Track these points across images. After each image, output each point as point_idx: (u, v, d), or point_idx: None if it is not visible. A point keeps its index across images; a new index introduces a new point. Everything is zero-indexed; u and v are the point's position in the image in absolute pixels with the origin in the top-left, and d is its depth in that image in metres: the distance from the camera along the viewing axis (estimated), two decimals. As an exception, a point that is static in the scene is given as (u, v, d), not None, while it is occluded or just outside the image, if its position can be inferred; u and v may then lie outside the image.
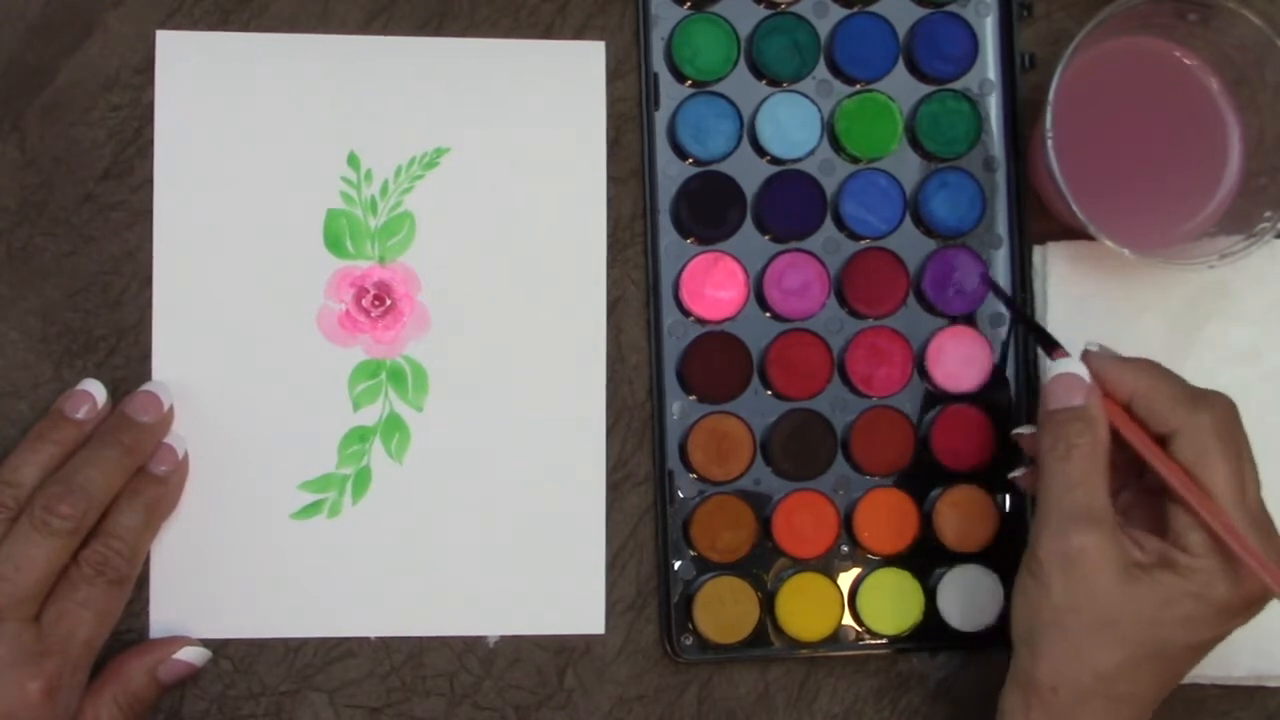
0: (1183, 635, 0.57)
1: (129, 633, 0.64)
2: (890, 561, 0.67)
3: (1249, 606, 0.58)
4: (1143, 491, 0.61)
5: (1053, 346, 0.61)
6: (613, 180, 0.68)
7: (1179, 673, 0.60)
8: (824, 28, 0.68)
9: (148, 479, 0.63)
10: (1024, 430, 0.63)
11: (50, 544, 0.59)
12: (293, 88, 0.66)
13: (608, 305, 0.67)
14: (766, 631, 0.67)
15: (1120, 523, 0.58)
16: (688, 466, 0.67)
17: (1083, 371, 0.60)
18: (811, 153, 0.68)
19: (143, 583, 0.64)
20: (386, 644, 0.66)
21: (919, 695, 0.68)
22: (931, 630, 0.67)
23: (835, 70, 0.68)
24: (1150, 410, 0.59)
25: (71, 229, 0.66)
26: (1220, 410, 0.58)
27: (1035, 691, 0.58)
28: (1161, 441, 0.58)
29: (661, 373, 0.67)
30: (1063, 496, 0.58)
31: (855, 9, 0.68)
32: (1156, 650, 0.57)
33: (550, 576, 0.67)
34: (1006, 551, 0.67)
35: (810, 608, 0.67)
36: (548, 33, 0.68)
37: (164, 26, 0.66)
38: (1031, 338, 0.66)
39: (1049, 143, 0.62)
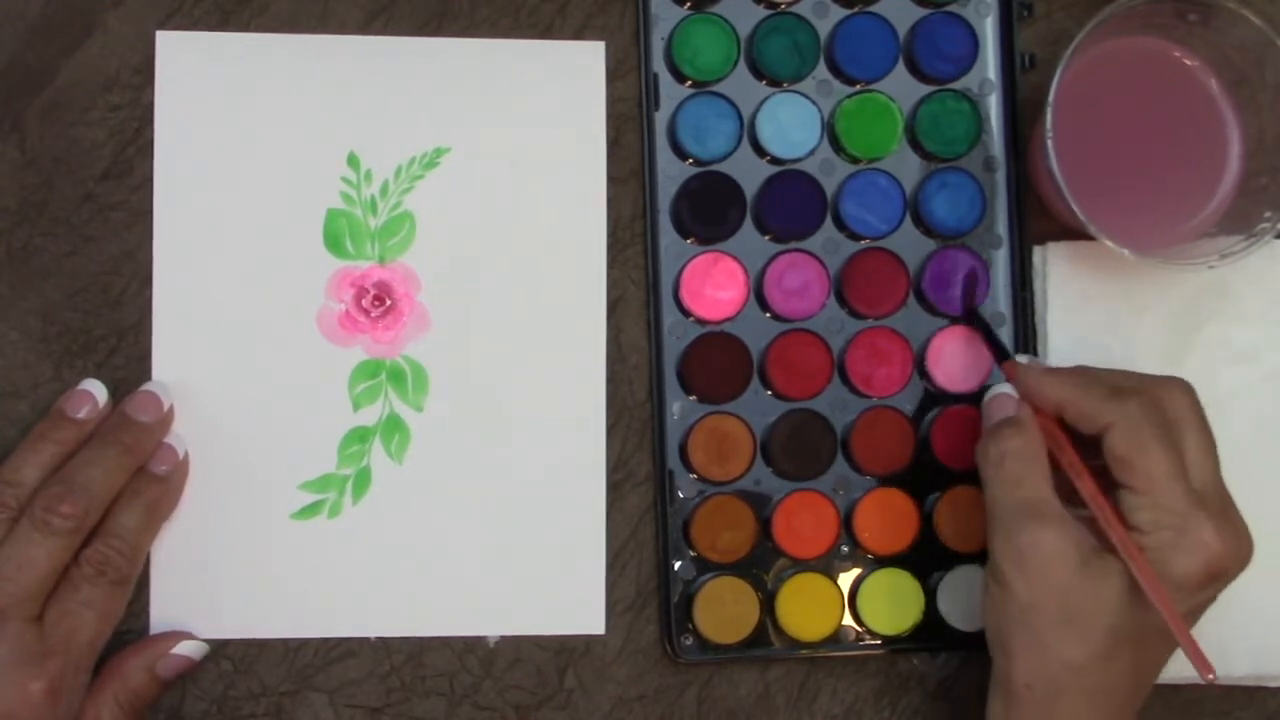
0: (1148, 617, 0.57)
1: (129, 633, 0.64)
2: (890, 562, 0.67)
3: (1211, 580, 0.58)
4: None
5: (1004, 357, 0.64)
6: (613, 180, 0.68)
7: (1155, 661, 0.60)
8: (824, 28, 0.68)
9: (148, 479, 0.63)
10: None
11: (52, 544, 0.59)
12: (293, 88, 0.66)
13: (608, 305, 0.67)
14: (766, 632, 0.67)
15: (1072, 513, 0.59)
16: (688, 466, 0.67)
17: (1014, 391, 0.62)
18: (811, 153, 0.68)
19: (143, 583, 0.64)
20: (386, 644, 0.66)
21: (919, 695, 0.68)
22: (931, 630, 0.67)
23: (835, 70, 0.68)
24: (1080, 412, 0.60)
25: (71, 229, 0.66)
26: (1151, 394, 0.59)
27: (1012, 692, 0.59)
28: (1098, 440, 0.59)
29: (661, 373, 0.67)
30: (1006, 499, 0.59)
31: (855, 9, 0.68)
32: (1125, 637, 0.57)
33: (550, 576, 0.67)
34: (1006, 551, 0.68)
35: (810, 608, 0.67)
36: (547, 33, 0.68)
37: (164, 27, 0.66)
38: (991, 346, 0.67)
39: (1049, 143, 0.62)
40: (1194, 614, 0.59)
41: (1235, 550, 0.58)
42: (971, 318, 0.67)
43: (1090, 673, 0.57)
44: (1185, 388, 0.60)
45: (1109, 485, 0.59)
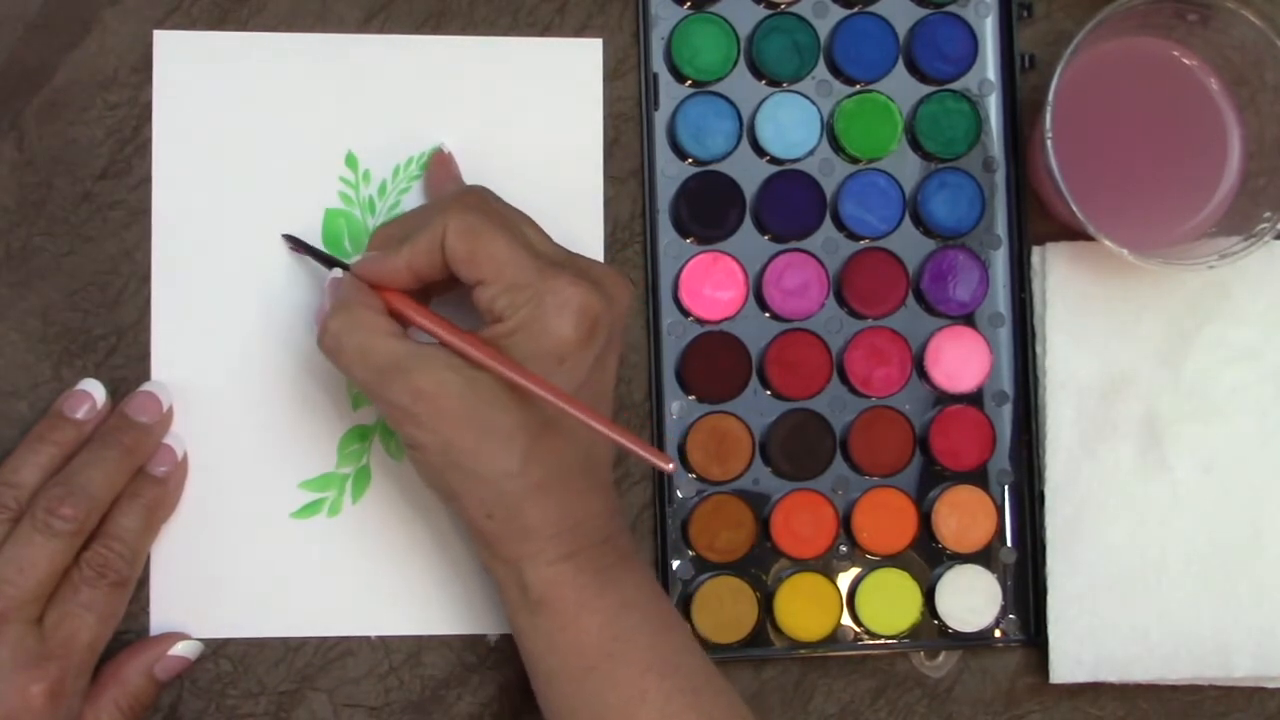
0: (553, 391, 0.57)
1: (129, 634, 0.64)
2: (889, 561, 0.67)
3: (591, 332, 0.57)
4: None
5: (333, 264, 0.62)
6: (612, 180, 0.67)
7: (580, 437, 0.59)
8: (824, 28, 0.68)
9: (147, 480, 0.63)
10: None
11: (52, 546, 0.59)
12: (290, 87, 0.66)
13: (607, 305, 0.67)
14: (765, 632, 0.67)
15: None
16: (687, 466, 0.67)
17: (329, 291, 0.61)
18: (811, 153, 0.68)
19: (143, 583, 0.64)
20: (386, 644, 0.66)
21: (917, 695, 0.68)
22: (930, 630, 0.68)
23: (835, 70, 0.68)
24: (422, 259, 0.58)
25: (70, 228, 0.66)
26: (462, 200, 0.59)
27: (479, 531, 0.58)
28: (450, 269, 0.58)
29: (660, 373, 0.67)
30: (366, 372, 0.58)
31: (855, 9, 0.68)
32: (543, 421, 0.57)
33: (549, 576, 0.67)
34: (1005, 552, 0.68)
35: (809, 608, 0.67)
36: (546, 32, 0.67)
37: (162, 25, 0.66)
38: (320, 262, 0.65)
39: (1049, 143, 0.62)
40: (602, 375, 0.59)
41: (601, 294, 0.57)
42: (297, 244, 0.65)
43: (531, 468, 0.57)
44: (483, 190, 0.60)
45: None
